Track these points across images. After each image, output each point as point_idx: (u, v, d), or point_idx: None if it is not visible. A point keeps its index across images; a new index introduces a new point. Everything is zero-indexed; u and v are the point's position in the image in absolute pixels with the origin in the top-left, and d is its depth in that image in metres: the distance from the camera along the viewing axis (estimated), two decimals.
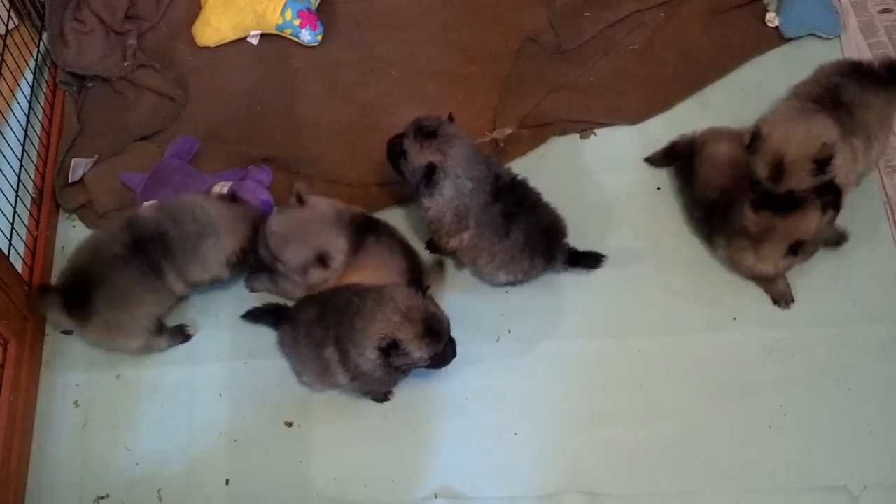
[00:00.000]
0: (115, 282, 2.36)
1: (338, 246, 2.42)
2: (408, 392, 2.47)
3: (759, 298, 2.58)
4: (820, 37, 3.02)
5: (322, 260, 2.40)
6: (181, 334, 2.56)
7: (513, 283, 2.60)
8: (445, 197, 2.42)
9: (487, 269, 2.55)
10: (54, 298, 2.37)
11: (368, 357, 2.19)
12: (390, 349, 2.16)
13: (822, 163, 2.28)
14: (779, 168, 2.31)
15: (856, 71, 2.58)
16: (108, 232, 2.43)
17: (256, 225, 2.50)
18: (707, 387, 2.47)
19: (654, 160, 2.80)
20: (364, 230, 2.46)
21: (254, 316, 2.53)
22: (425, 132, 2.38)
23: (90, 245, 2.43)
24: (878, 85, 2.55)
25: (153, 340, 2.50)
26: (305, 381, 2.43)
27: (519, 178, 2.53)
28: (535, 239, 2.49)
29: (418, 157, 2.38)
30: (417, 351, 2.18)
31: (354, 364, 2.23)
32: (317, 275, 2.43)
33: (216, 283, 2.56)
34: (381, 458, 2.40)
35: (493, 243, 2.48)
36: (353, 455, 2.41)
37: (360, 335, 2.18)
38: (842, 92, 2.53)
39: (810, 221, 2.37)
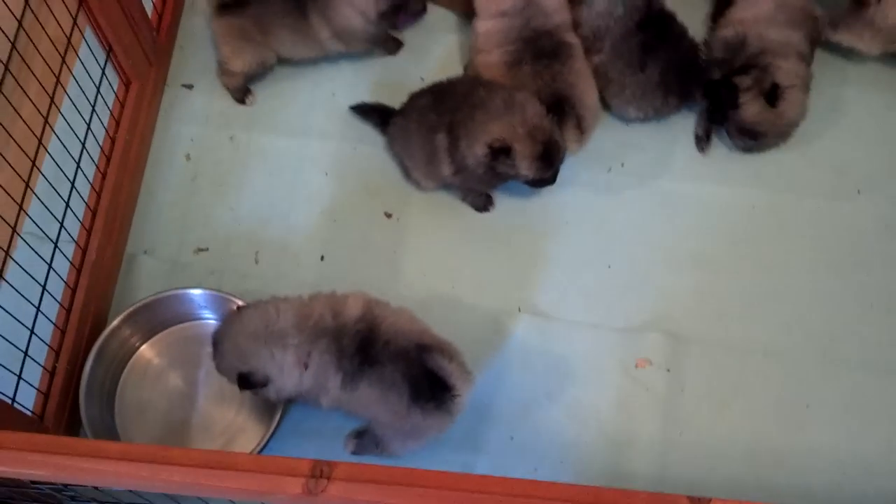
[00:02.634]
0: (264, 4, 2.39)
1: None
2: (509, 205, 2.46)
3: (888, 174, 2.48)
4: None
5: None
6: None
7: (643, 120, 2.52)
8: (593, 9, 2.34)
9: (616, 101, 2.48)
10: None
11: (476, 152, 2.18)
12: (500, 153, 2.14)
13: None
14: None
15: None
16: None
17: None
18: (816, 253, 2.42)
19: None
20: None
21: (363, 111, 2.51)
22: None
23: None
24: None
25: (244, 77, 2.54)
26: (414, 176, 2.43)
27: (668, 9, 2.42)
28: (672, 76, 2.40)
29: None
30: (526, 169, 2.18)
31: (462, 155, 2.22)
32: None
33: (364, 47, 2.55)
34: (472, 263, 2.42)
35: (624, 74, 2.41)
36: (445, 256, 2.42)
37: (478, 127, 2.16)
38: None
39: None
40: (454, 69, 2.59)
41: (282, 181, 2.50)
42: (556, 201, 2.47)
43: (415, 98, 2.37)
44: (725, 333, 2.34)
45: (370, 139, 2.52)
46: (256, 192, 2.50)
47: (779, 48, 2.41)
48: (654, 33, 2.39)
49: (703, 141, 2.51)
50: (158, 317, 2.25)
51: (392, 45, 2.64)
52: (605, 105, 2.53)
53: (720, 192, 2.48)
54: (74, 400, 2.11)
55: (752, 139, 2.45)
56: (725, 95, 2.42)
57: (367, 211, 2.47)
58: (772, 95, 2.37)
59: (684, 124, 2.56)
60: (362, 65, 2.63)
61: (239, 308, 2.04)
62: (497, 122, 2.15)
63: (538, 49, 2.36)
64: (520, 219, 2.47)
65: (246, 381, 1.95)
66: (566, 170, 2.34)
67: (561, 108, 2.28)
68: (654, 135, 2.55)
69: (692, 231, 2.45)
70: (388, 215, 2.46)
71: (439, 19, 2.69)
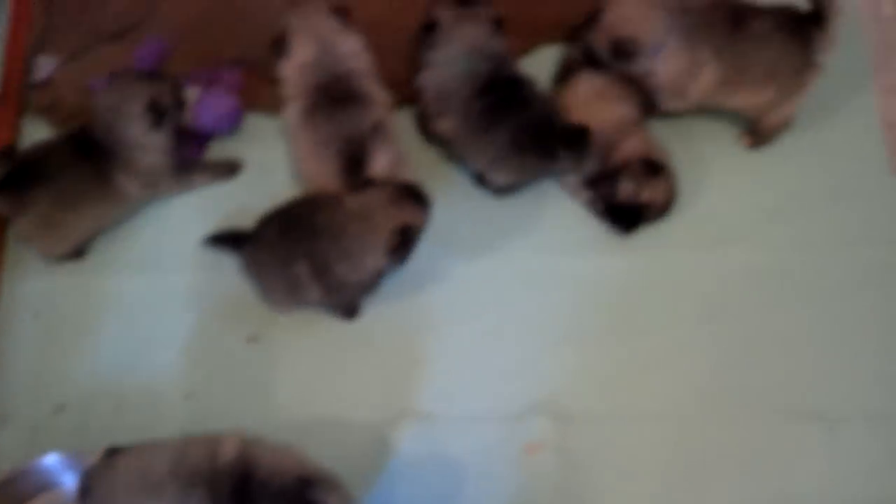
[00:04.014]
0: (61, 179, 2.30)
1: None
2: (376, 307, 2.40)
3: (749, 221, 2.49)
4: None
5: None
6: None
7: (514, 187, 2.49)
8: (435, 67, 2.37)
9: (480, 165, 2.45)
10: None
11: (375, 259, 2.15)
12: (408, 236, 2.14)
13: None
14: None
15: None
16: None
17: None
18: (690, 308, 2.40)
19: None
20: None
21: (214, 241, 2.42)
22: None
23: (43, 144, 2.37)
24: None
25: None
26: (272, 302, 2.35)
27: (521, 75, 2.42)
28: (523, 136, 2.36)
29: (435, 11, 2.40)
30: (424, 220, 2.18)
31: (341, 276, 2.17)
32: None
33: (177, 186, 2.50)
34: (347, 375, 2.34)
35: (475, 137, 2.39)
36: (318, 373, 2.35)
37: (360, 241, 2.14)
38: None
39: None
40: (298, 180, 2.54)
41: (139, 323, 2.41)
42: (424, 296, 2.42)
43: (261, 228, 2.28)
44: (613, 404, 2.30)
45: (225, 265, 2.43)
46: (113, 338, 2.40)
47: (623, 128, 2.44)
48: (501, 96, 2.37)
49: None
50: (17, 496, 2.12)
51: (225, 170, 2.57)
52: (481, 181, 2.50)
53: (588, 261, 2.45)
54: None
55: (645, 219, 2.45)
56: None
57: (231, 339, 2.39)
58: (653, 169, 2.38)
59: (546, 200, 2.53)
60: (209, 189, 2.57)
61: (110, 451, 1.94)
62: (374, 222, 2.13)
63: (334, 96, 2.35)
64: (389, 320, 2.40)
65: None
66: (430, 261, 2.32)
67: (357, 161, 2.28)
68: (517, 211, 2.52)
69: (565, 305, 2.41)
70: (253, 340, 2.38)
71: (276, 131, 2.63)
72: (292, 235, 2.21)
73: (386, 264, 2.19)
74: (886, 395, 2.30)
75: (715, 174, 2.55)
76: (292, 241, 2.20)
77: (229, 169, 2.57)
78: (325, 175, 2.34)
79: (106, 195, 2.37)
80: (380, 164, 2.31)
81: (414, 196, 2.18)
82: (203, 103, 2.55)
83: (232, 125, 2.60)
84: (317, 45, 2.39)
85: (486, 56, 2.39)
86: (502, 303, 2.42)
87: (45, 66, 2.69)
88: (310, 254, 2.18)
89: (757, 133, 2.55)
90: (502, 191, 2.50)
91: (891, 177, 2.55)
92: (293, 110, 2.41)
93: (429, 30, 2.41)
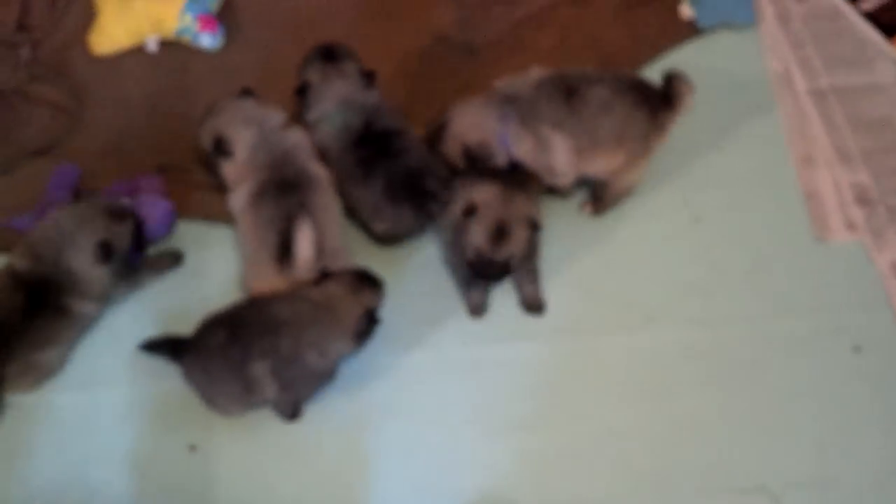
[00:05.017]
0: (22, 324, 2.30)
1: None
2: (317, 408, 2.38)
3: (674, 298, 2.53)
4: (735, 27, 2.98)
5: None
6: None
7: (395, 236, 2.56)
8: (314, 126, 2.49)
9: (364, 215, 2.51)
10: None
11: (343, 345, 2.22)
12: (371, 319, 2.23)
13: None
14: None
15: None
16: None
17: (116, 214, 2.39)
18: (622, 389, 2.42)
19: None
20: None
21: (151, 347, 2.41)
22: (327, 55, 2.52)
23: None
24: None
25: None
26: (218, 407, 2.32)
27: (395, 126, 2.49)
28: (397, 188, 2.43)
29: (305, 73, 2.54)
30: (381, 302, 2.28)
31: (312, 363, 2.21)
32: None
33: (127, 289, 2.50)
34: (291, 481, 2.31)
35: (353, 188, 2.47)
36: (261, 480, 2.31)
37: (327, 329, 2.19)
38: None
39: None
40: (236, 284, 2.53)
41: (75, 441, 2.35)
42: (363, 392, 2.41)
43: (206, 334, 2.26)
44: (555, 492, 2.29)
45: (162, 373, 2.41)
46: (49, 457, 2.33)
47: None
48: (374, 149, 2.45)
49: (480, 309, 2.52)
50: None
51: (170, 262, 2.56)
52: (367, 230, 2.55)
53: (518, 349, 2.47)
54: None
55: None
56: (501, 274, 2.44)
57: (171, 449, 2.34)
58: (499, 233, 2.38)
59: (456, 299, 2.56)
60: (144, 295, 2.54)
61: None
62: (338, 314, 2.20)
63: (281, 180, 2.38)
64: (330, 419, 2.38)
65: None
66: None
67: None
68: (443, 304, 2.54)
69: (501, 393, 2.42)
70: (193, 448, 2.34)
71: (216, 238, 2.63)
72: (244, 337, 2.20)
73: (352, 349, 2.24)
74: (826, 461, 2.33)
75: (637, 253, 2.61)
76: (245, 342, 2.20)
77: (174, 260, 2.58)
78: (264, 257, 2.35)
79: (67, 322, 2.37)
80: (303, 244, 2.31)
81: (370, 281, 2.26)
82: (140, 210, 2.53)
83: (169, 228, 2.60)
84: (255, 130, 2.44)
85: (358, 109, 2.49)
86: (439, 394, 2.42)
87: None
88: (270, 350, 2.18)
89: (601, 200, 2.62)
90: (388, 239, 2.57)
91: (813, 242, 2.62)
92: (241, 194, 2.43)
93: (302, 93, 2.52)
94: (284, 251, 2.31)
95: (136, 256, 2.51)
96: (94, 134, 2.79)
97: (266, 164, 2.43)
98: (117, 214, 2.39)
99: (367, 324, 2.23)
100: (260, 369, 2.19)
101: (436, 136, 2.56)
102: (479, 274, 2.43)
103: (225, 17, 2.99)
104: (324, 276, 2.27)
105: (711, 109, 2.75)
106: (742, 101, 2.86)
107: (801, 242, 2.63)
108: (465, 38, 2.94)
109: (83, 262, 2.34)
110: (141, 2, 2.87)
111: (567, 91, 2.44)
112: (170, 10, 2.86)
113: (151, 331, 2.45)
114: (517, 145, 2.45)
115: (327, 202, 2.43)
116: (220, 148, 2.46)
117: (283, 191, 2.38)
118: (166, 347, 2.38)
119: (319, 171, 2.46)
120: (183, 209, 2.61)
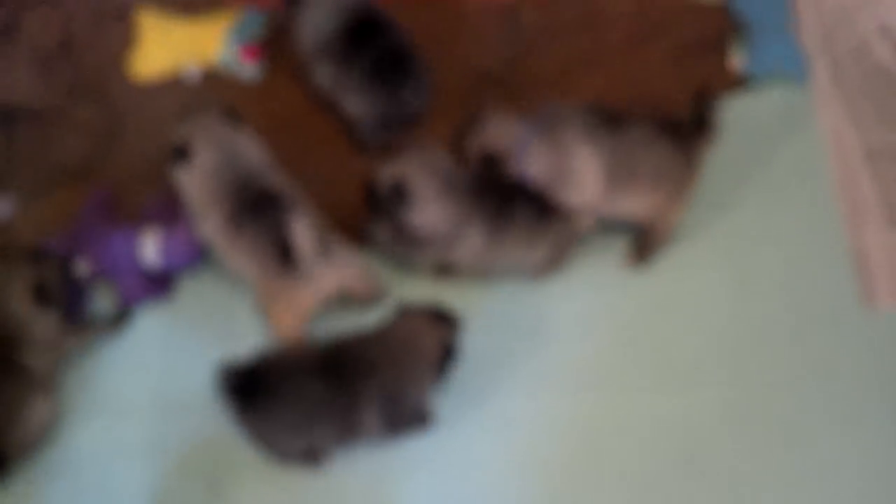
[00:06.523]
0: None
1: None
2: (339, 457, 2.34)
3: (715, 359, 2.46)
4: (786, 80, 2.91)
5: None
6: None
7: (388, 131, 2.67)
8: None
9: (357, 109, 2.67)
10: None
11: (430, 378, 2.25)
12: (451, 352, 2.27)
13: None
14: None
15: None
16: None
17: (39, 257, 2.37)
18: (664, 453, 2.36)
19: None
20: None
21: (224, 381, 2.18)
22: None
23: None
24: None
25: None
26: (278, 454, 2.27)
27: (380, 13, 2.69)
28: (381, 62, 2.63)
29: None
30: (456, 335, 2.30)
31: (413, 398, 2.24)
32: None
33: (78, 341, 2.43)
34: None
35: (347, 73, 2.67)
36: None
37: (417, 368, 2.23)
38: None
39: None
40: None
41: (90, 481, 2.33)
42: (389, 444, 2.34)
43: (287, 384, 2.16)
44: None
45: (182, 409, 2.36)
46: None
47: None
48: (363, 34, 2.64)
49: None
50: None
51: (115, 323, 2.51)
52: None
53: (560, 403, 2.42)
54: None
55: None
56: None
57: (191, 491, 2.29)
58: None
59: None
60: (174, 322, 2.51)
61: None
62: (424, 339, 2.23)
63: (251, 202, 2.28)
64: (355, 469, 2.33)
65: None
66: None
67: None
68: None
69: (539, 450, 2.36)
70: (215, 491, 2.28)
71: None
72: (347, 385, 2.17)
73: (434, 383, 2.26)
74: None
75: (678, 310, 2.54)
76: (352, 389, 2.17)
77: (119, 319, 2.51)
78: (269, 272, 2.27)
79: (26, 380, 2.30)
80: (299, 237, 2.22)
81: (446, 317, 2.29)
82: (165, 242, 2.49)
83: (194, 260, 2.53)
84: (221, 152, 2.35)
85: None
86: (467, 447, 2.36)
87: (2, 206, 2.65)
88: (377, 393, 2.17)
89: (643, 247, 2.54)
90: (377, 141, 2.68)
91: (861, 307, 2.53)
92: (212, 222, 2.33)
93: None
94: (285, 254, 2.23)
95: (78, 302, 2.47)
96: (130, 161, 2.77)
97: (236, 186, 2.32)
98: (40, 257, 2.37)
99: (448, 358, 2.24)
100: (369, 413, 2.17)
101: (465, 132, 2.50)
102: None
103: (270, 45, 2.92)
104: (401, 314, 2.29)
105: (760, 164, 2.70)
106: (791, 156, 2.78)
107: (847, 306, 2.54)
108: (511, 78, 2.88)
109: (27, 311, 2.29)
110: (183, 28, 2.85)
111: (609, 117, 2.36)
112: (213, 36, 2.83)
113: (180, 361, 2.40)
114: (535, 157, 2.34)
115: (301, 210, 2.32)
116: (182, 153, 2.35)
117: (260, 212, 2.28)
118: (238, 389, 2.17)
119: (289, 187, 2.36)
120: None
